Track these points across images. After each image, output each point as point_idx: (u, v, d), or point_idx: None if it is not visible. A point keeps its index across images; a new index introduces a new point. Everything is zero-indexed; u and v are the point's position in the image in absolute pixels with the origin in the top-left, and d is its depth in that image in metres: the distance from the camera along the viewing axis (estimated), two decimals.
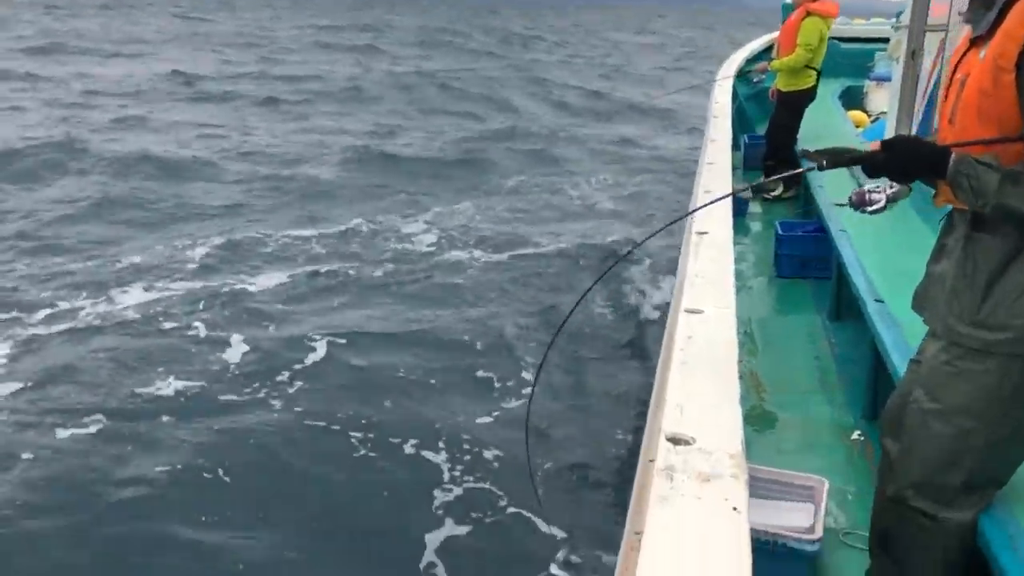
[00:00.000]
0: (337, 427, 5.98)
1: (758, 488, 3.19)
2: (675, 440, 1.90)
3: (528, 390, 6.58)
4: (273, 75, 26.19)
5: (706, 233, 3.49)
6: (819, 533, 2.83)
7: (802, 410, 4.11)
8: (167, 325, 7.74)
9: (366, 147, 16.16)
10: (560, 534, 4.96)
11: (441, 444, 5.79)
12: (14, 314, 7.88)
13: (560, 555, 4.80)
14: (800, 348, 4.87)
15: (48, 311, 7.99)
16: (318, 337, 7.40)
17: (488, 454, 5.74)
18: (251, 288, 8.78)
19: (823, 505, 3.03)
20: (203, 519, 4.97)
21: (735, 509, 1.63)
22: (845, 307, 5.06)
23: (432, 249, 10.47)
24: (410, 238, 10.89)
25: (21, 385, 6.45)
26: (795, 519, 3.00)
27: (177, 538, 4.79)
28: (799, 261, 5.98)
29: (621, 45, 52.60)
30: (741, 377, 4.33)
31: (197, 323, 7.77)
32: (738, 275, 6.08)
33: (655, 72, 34.01)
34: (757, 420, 4.01)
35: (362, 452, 5.70)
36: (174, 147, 15.57)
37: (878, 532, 2.70)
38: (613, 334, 7.85)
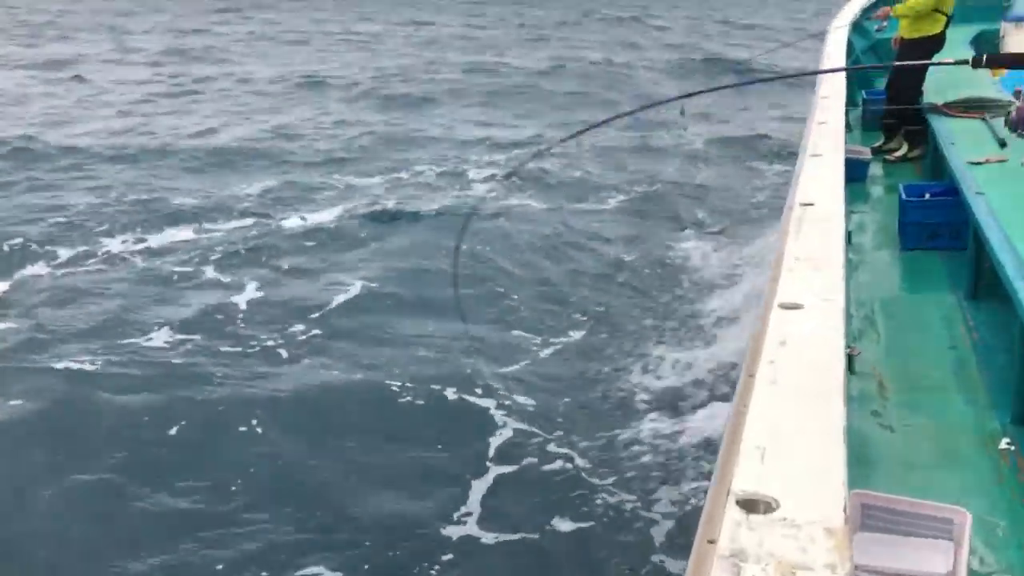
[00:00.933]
0: (369, 374, 6.00)
1: (882, 520, 2.59)
2: (749, 504, 1.36)
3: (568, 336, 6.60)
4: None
5: (811, 204, 2.90)
6: None
7: (935, 412, 3.43)
8: (211, 260, 8.18)
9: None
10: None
11: (479, 390, 5.76)
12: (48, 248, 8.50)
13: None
14: (931, 334, 4.16)
15: (84, 248, 8.59)
16: (353, 282, 7.64)
17: (525, 400, 5.67)
18: (297, 229, 9.20)
19: (965, 545, 2.40)
20: (245, 460, 4.97)
21: None
22: (985, 283, 4.31)
23: (493, 196, 10.72)
24: (472, 184, 11.26)
25: (31, 317, 6.87)
26: (929, 562, 2.39)
27: (201, 484, 4.79)
28: (928, 230, 5.22)
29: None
30: (858, 372, 3.72)
31: (235, 261, 8.17)
32: (856, 248, 5.38)
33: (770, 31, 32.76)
34: (880, 426, 3.37)
35: (407, 399, 5.67)
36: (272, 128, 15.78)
37: None
38: (680, 337, 7.06)
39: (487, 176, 11.60)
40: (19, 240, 8.57)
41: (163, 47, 33.24)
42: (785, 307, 2.09)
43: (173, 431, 5.23)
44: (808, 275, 2.32)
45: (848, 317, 4.57)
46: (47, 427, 5.25)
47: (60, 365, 6.01)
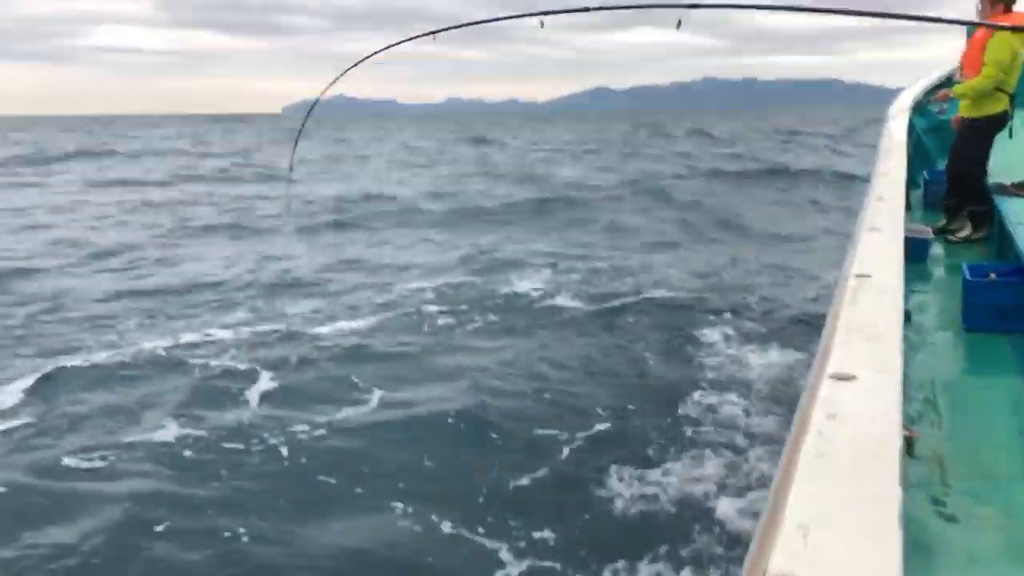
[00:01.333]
0: (368, 496, 5.73)
1: None
2: None
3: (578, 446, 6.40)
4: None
5: (868, 276, 2.71)
6: None
7: (1004, 503, 3.10)
8: (236, 361, 8.29)
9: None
10: None
11: (481, 529, 5.33)
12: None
13: None
14: (997, 420, 3.84)
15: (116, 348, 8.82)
16: (371, 394, 7.47)
17: (542, 533, 5.26)
18: (330, 340, 9.11)
19: None
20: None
21: None
22: None
23: (537, 299, 10.89)
24: (517, 293, 11.28)
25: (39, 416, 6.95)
26: None
27: None
28: (994, 311, 4.91)
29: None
30: (919, 457, 3.41)
31: (260, 364, 8.17)
32: (917, 329, 5.08)
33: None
34: (941, 515, 3.05)
35: (404, 524, 5.35)
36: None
37: None
38: (727, 407, 6.87)
39: (532, 289, 11.45)
40: (62, 358, 8.57)
41: (229, 166, 34.68)
42: (836, 378, 1.90)
43: (159, 527, 5.12)
44: (862, 346, 2.12)
45: (908, 399, 4.27)
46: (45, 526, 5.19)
47: (69, 461, 6.04)
